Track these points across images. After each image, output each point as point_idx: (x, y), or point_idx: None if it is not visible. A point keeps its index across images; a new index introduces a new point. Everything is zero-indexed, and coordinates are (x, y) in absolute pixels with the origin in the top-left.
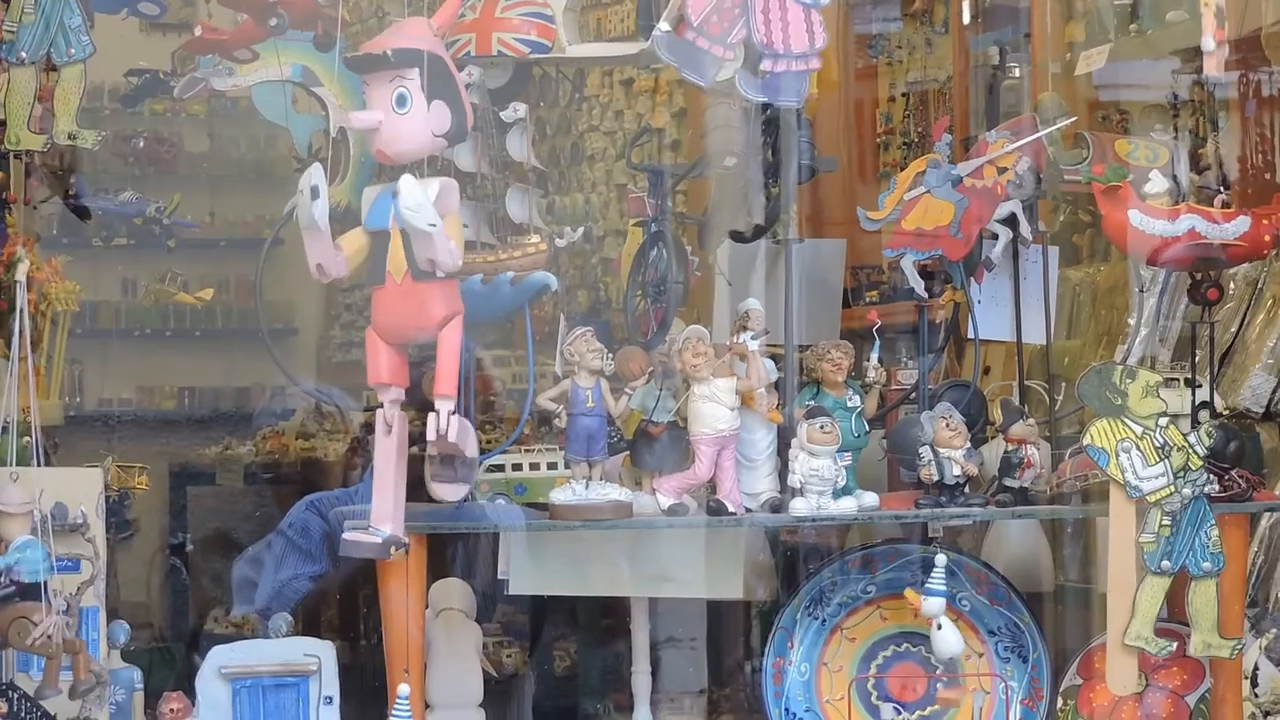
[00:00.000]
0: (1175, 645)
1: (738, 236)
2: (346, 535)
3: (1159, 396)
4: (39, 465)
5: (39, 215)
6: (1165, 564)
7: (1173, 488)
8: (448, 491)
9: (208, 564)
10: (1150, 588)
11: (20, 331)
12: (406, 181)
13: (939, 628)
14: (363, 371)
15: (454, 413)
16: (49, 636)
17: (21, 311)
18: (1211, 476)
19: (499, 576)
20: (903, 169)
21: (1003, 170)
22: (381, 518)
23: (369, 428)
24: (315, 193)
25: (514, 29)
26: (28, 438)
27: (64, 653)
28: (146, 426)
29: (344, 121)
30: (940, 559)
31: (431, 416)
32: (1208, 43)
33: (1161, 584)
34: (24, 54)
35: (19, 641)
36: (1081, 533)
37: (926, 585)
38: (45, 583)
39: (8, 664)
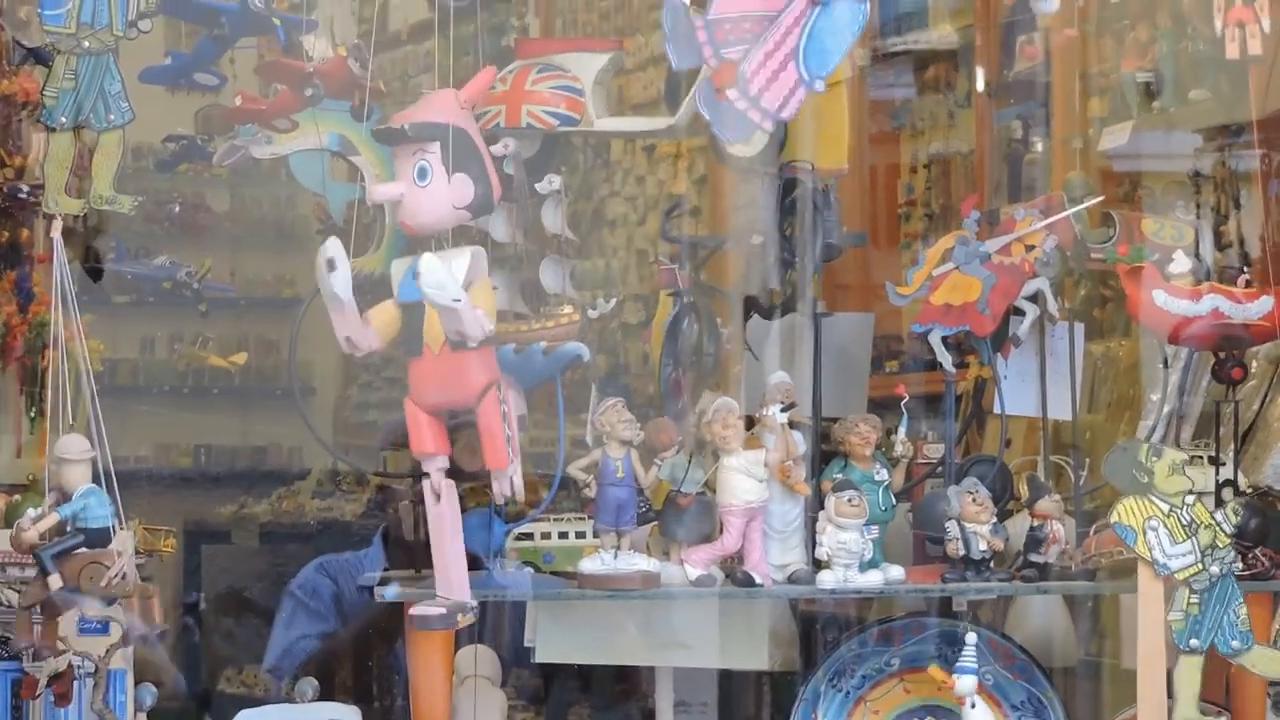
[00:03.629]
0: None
1: (756, 307)
2: (414, 612)
3: (1185, 474)
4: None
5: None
6: (1194, 642)
7: (1200, 565)
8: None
9: (220, 623)
10: (1185, 668)
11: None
12: (426, 261)
13: (973, 706)
14: (379, 432)
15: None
16: (124, 576)
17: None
18: (1236, 555)
19: (525, 644)
20: (924, 240)
21: (1030, 248)
22: (449, 586)
23: (383, 489)
24: (331, 265)
25: (543, 101)
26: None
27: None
28: (162, 484)
29: (371, 194)
30: (970, 637)
31: (495, 484)
32: (1217, 26)
33: (1195, 663)
34: (63, 119)
35: (92, 586)
36: (1104, 608)
37: (958, 664)
38: (112, 526)
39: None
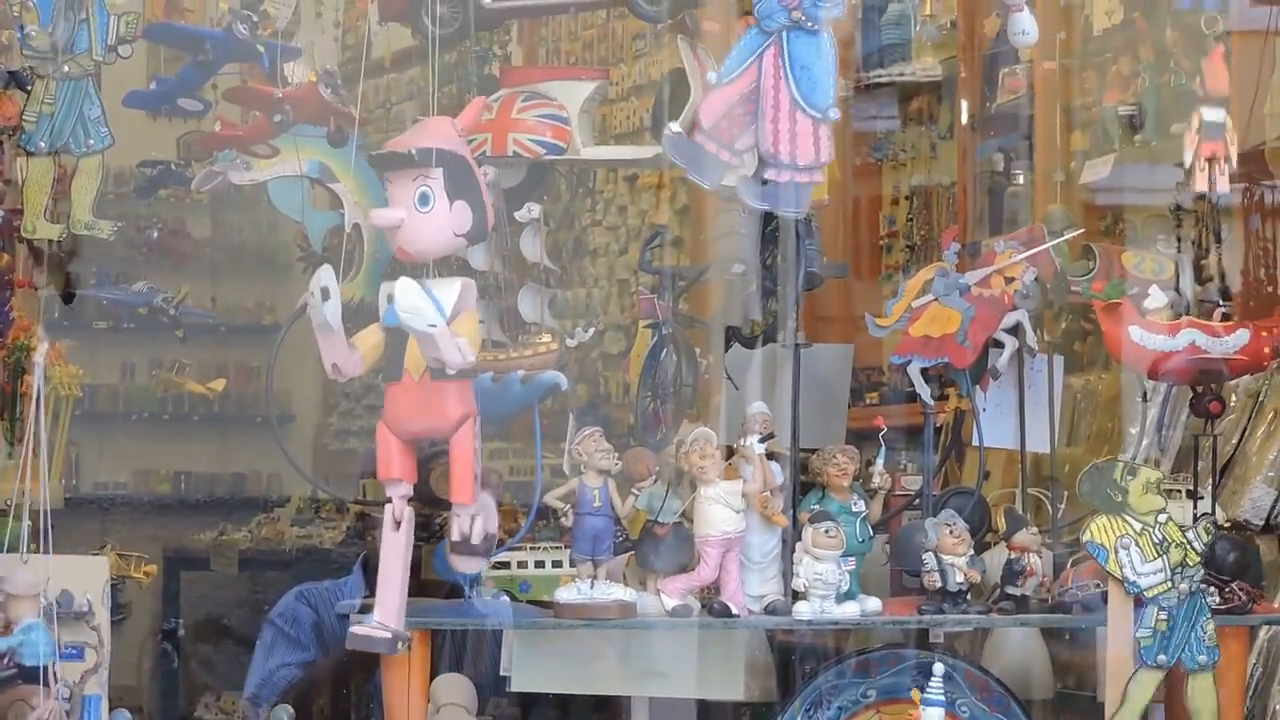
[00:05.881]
0: None
1: (738, 336)
2: (355, 630)
3: (1159, 493)
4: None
5: (37, 298)
6: (1161, 658)
7: (1170, 583)
8: (467, 564)
9: (199, 650)
10: (1141, 680)
11: (36, 418)
12: (402, 285)
13: None
14: (359, 460)
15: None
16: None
17: (38, 398)
18: (1212, 587)
19: (502, 673)
20: (905, 272)
21: (1010, 280)
22: (389, 614)
23: (362, 517)
24: (326, 294)
25: (529, 130)
26: (29, 522)
27: None
28: (142, 510)
29: (361, 218)
30: (938, 668)
31: (454, 520)
32: (1187, 158)
33: (1154, 678)
34: (42, 143)
35: None
36: (1080, 641)
37: (924, 696)
38: (46, 667)
39: None
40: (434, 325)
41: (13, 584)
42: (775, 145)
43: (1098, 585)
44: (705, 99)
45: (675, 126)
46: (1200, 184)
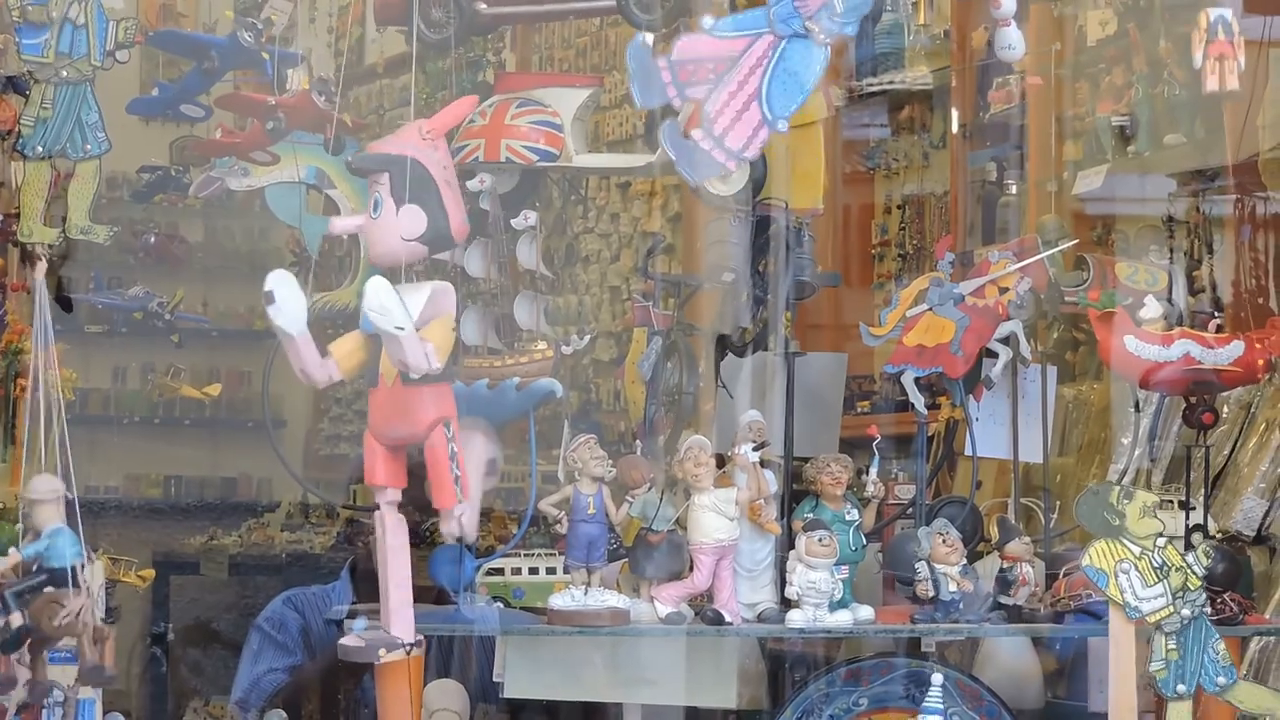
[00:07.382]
0: None
1: (729, 344)
2: (344, 640)
3: (1156, 517)
4: None
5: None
6: (1181, 688)
7: (1172, 608)
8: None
9: (188, 654)
10: (1175, 715)
11: (31, 425)
12: (371, 285)
13: None
14: (349, 465)
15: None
16: (75, 616)
17: (33, 406)
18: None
19: (494, 679)
20: (897, 280)
21: (1004, 290)
22: (383, 620)
23: (351, 522)
24: (269, 299)
25: (522, 136)
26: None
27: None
28: (132, 514)
29: (331, 227)
30: (936, 678)
31: (443, 525)
32: (1197, 59)
33: (1185, 708)
34: (40, 148)
35: (49, 625)
36: (1072, 651)
37: (923, 705)
38: (73, 567)
39: None
40: (401, 328)
41: (33, 489)
42: (717, 115)
43: (1089, 594)
44: (688, 37)
45: (646, 38)
46: (1212, 84)
